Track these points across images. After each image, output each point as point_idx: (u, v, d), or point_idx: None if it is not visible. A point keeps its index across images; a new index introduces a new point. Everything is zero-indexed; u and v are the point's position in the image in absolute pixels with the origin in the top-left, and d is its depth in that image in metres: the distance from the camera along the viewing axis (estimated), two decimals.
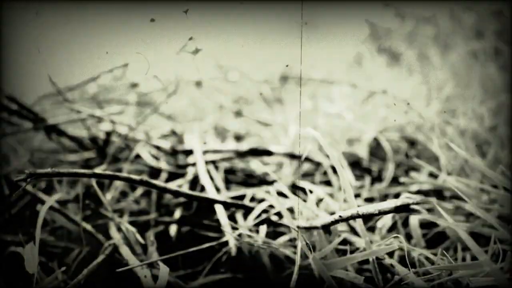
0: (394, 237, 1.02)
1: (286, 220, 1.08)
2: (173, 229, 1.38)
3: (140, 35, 1.63)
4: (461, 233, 0.83)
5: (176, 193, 1.20)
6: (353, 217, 0.96)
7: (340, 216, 0.99)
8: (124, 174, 1.14)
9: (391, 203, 0.87)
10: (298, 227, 1.05)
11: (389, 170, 1.56)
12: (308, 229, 1.12)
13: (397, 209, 0.86)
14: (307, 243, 0.98)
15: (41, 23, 1.82)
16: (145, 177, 1.16)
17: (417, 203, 0.83)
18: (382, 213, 0.88)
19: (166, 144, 1.62)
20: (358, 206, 1.04)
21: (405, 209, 0.85)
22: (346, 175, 1.13)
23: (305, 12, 2.38)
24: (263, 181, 1.63)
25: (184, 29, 1.54)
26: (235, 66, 1.95)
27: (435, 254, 1.14)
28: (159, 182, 1.18)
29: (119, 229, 1.34)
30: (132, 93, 1.88)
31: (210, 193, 1.36)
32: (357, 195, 1.57)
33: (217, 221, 1.43)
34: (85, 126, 1.67)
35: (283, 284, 1.22)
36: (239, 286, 1.25)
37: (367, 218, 1.37)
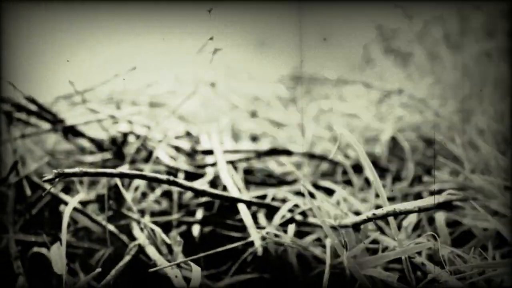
0: (427, 235, 1.01)
1: (319, 219, 1.07)
2: (196, 229, 1.37)
3: (160, 34, 1.62)
4: (503, 231, 0.82)
5: (203, 193, 1.19)
6: (389, 215, 0.95)
7: (374, 214, 0.99)
8: (151, 174, 1.13)
9: (432, 200, 0.86)
10: (339, 225, 1.05)
11: (410, 169, 1.56)
12: (338, 228, 1.12)
13: (439, 206, 0.85)
14: (345, 241, 0.97)
15: (57, 24, 1.81)
16: (171, 177, 1.15)
17: (461, 200, 0.83)
18: (423, 210, 0.88)
19: (186, 145, 1.61)
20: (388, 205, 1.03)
21: (447, 206, 0.84)
22: (375, 173, 1.12)
23: (313, 13, 2.37)
24: (282, 181, 1.62)
25: (204, 29, 1.54)
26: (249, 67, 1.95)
27: (466, 253, 1.14)
28: (186, 182, 1.17)
29: (142, 229, 1.33)
30: (147, 95, 1.87)
31: (233, 193, 1.35)
32: (377, 195, 1.56)
33: (240, 220, 1.42)
34: (102, 127, 1.66)
35: (311, 283, 1.21)
36: (266, 287, 1.25)
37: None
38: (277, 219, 1.26)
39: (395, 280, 1.01)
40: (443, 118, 1.69)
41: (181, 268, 1.13)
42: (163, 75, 2.11)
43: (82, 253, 1.36)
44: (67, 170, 1.08)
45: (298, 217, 1.30)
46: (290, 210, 1.32)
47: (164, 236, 1.25)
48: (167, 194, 1.57)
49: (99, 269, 1.00)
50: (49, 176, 1.05)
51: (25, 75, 1.78)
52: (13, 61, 1.73)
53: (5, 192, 1.40)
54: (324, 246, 1.20)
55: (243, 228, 1.41)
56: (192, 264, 1.02)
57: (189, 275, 1.10)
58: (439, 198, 0.85)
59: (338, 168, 1.67)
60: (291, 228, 1.19)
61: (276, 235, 1.21)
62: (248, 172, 1.68)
